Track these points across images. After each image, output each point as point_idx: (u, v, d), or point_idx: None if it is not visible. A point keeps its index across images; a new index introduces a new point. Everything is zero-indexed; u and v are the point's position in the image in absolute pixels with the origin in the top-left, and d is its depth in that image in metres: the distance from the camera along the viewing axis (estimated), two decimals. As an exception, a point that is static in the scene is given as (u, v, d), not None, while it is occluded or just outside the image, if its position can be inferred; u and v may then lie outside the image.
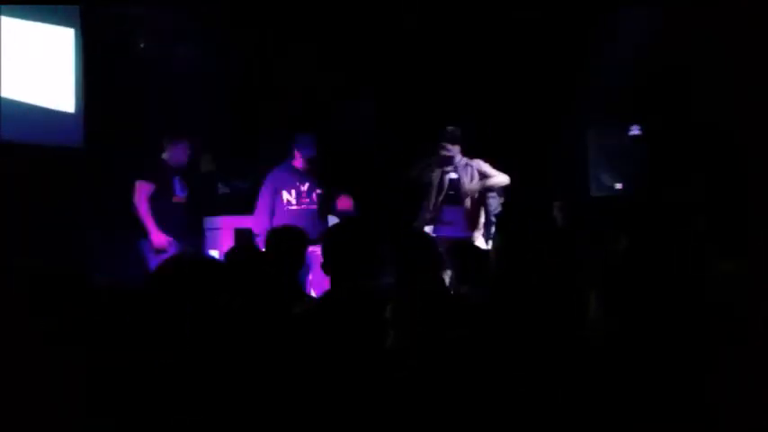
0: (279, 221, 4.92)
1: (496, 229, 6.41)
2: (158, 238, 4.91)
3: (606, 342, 1.99)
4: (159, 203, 5.03)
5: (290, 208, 5.12)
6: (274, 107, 6.77)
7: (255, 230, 5.15)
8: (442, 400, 1.95)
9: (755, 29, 5.23)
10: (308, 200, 5.15)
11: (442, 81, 6.77)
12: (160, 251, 4.85)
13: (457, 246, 3.78)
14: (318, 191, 5.21)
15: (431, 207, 5.67)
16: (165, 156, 5.18)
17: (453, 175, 5.67)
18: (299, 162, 5.21)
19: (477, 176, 5.72)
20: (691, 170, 5.97)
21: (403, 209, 5.96)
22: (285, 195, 5.14)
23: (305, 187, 5.16)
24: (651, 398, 1.80)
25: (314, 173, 5.25)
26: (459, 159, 5.68)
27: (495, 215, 6.47)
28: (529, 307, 2.28)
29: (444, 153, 5.59)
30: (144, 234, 4.98)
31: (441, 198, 5.67)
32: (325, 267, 2.55)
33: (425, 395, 1.98)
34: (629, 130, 6.68)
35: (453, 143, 5.62)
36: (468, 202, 5.68)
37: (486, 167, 5.74)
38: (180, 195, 5.18)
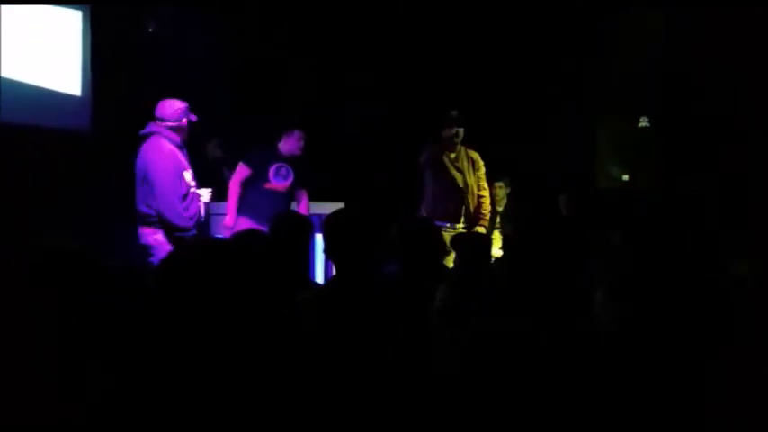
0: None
1: (504, 220, 6.40)
2: (229, 219, 5.24)
3: (612, 331, 1.99)
4: (252, 188, 5.27)
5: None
6: (282, 93, 6.77)
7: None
8: (455, 389, 1.94)
9: (762, 24, 5.22)
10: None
11: (449, 70, 6.75)
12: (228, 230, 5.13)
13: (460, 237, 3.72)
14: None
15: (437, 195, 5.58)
16: (279, 144, 5.37)
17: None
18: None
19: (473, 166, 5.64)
20: (699, 163, 5.94)
21: (404, 196, 5.92)
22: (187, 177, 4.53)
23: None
24: (654, 388, 1.80)
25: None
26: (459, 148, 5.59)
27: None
28: (539, 295, 2.27)
29: (451, 135, 5.50)
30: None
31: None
32: (330, 253, 2.49)
33: (437, 387, 1.97)
34: (637, 121, 6.66)
35: (460, 126, 5.52)
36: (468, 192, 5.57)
37: (479, 159, 5.66)
38: (274, 182, 5.30)
